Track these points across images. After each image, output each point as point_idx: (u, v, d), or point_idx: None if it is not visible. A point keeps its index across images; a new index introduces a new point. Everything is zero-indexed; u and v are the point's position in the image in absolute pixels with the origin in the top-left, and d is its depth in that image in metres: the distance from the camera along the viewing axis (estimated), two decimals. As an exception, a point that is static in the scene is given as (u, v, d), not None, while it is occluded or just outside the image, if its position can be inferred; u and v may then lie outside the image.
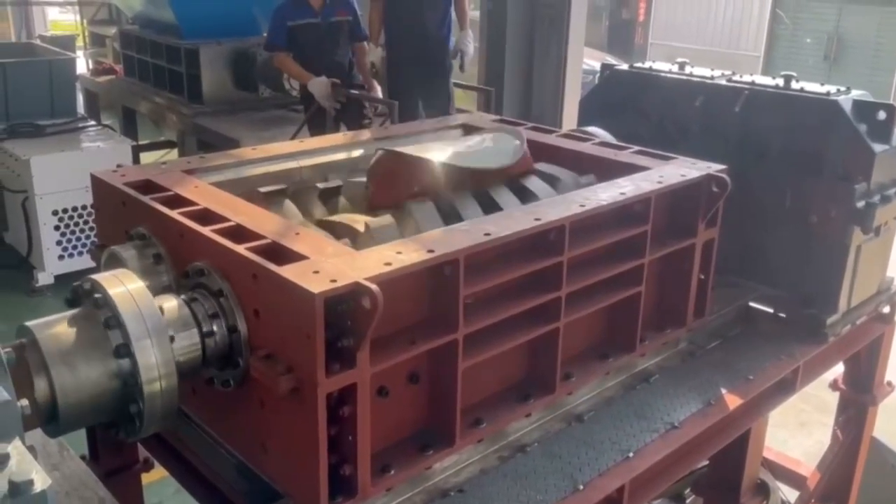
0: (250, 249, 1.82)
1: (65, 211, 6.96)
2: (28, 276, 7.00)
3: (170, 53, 8.49)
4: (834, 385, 3.75)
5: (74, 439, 2.34)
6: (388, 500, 1.97)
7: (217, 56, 8.07)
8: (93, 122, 8.14)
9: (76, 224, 7.01)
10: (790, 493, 3.64)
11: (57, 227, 6.95)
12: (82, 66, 10.81)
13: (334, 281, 1.66)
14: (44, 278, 6.92)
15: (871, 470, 2.21)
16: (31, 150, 6.94)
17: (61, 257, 6.98)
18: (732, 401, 2.56)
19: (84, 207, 6.95)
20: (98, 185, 2.37)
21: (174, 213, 2.04)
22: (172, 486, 3.56)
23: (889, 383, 3.61)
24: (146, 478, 3.15)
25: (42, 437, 2.05)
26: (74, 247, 7.03)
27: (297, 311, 1.66)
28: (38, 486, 1.22)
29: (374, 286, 1.63)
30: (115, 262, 2.01)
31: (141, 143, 8.80)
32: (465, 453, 2.14)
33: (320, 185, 2.44)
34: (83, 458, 2.50)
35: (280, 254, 1.81)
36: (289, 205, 2.27)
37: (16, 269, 7.16)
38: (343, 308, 1.69)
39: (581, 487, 2.11)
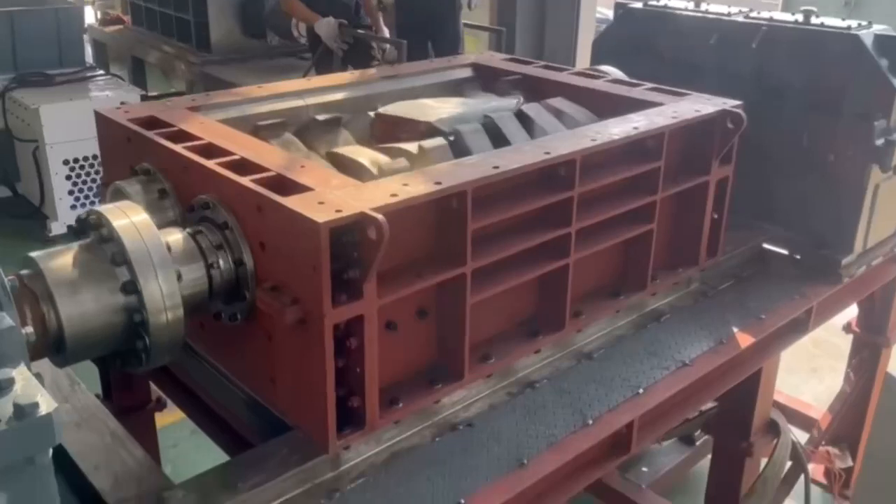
0: (255, 181, 1.79)
1: (76, 161, 6.94)
2: (41, 226, 7.02)
3: (177, 2, 8.37)
4: (848, 328, 3.72)
5: (87, 379, 2.37)
6: (397, 434, 1.97)
7: (225, 3, 7.95)
8: (101, 72, 8.07)
9: (87, 174, 6.99)
10: (801, 436, 3.63)
11: (68, 177, 6.94)
12: (90, 16, 10.69)
13: (339, 211, 1.63)
14: (57, 228, 6.94)
15: (884, 406, 2.18)
16: (41, 99, 6.90)
17: (73, 207, 6.98)
18: (744, 339, 2.54)
19: (95, 157, 6.93)
20: (102, 122, 2.34)
21: (178, 147, 2.01)
22: (188, 429, 3.61)
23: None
24: (161, 420, 3.18)
25: (53, 372, 2.06)
26: (86, 196, 7.02)
27: (303, 241, 1.63)
28: (44, 409, 1.21)
29: (379, 216, 1.60)
30: (119, 198, 1.99)
31: (150, 93, 8.73)
32: (473, 389, 2.13)
33: (320, 118, 2.39)
34: (97, 396, 2.52)
35: (285, 186, 1.78)
36: (292, 138, 2.23)
37: (29, 218, 7.17)
38: (349, 239, 1.67)
39: (590, 422, 2.10)
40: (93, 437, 1.80)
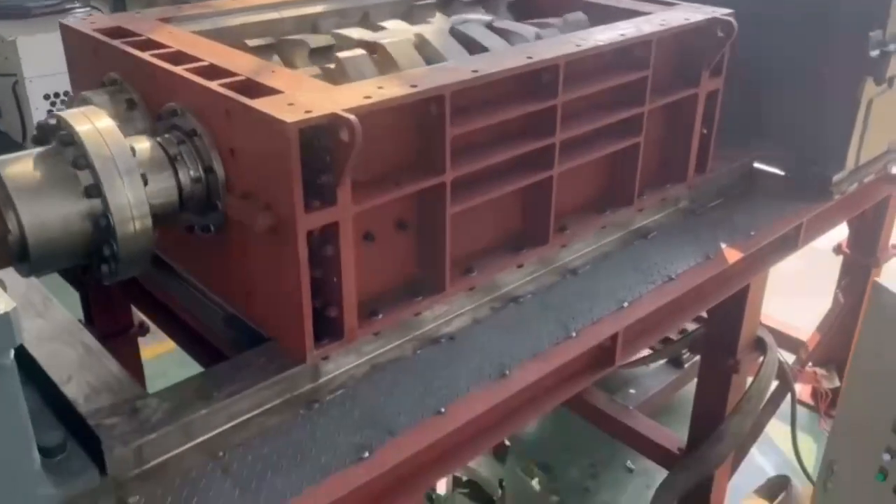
0: (223, 86, 1.72)
1: (56, 95, 6.78)
2: (25, 163, 6.92)
3: (156, -71, 8.09)
4: (838, 249, 3.70)
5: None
6: (377, 346, 1.95)
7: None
8: (80, 3, 7.84)
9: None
10: (789, 358, 3.64)
11: (50, 112, 6.81)
12: (68, -52, 10.34)
13: (309, 112, 1.57)
14: (41, 165, 6.83)
15: (870, 317, 2.16)
16: (18, 31, 6.70)
17: (57, 143, 6.87)
18: (732, 255, 2.51)
19: (76, 91, 6.78)
20: (68, 34, 2.25)
21: (146, 55, 1.93)
22: (177, 358, 3.60)
23: (894, 246, 3.55)
24: (153, 351, 3.17)
25: (27, 288, 2.02)
26: (70, 132, 6.91)
27: (272, 145, 1.57)
28: (1, 308, 1.17)
29: (351, 116, 1.54)
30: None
31: (132, 26, 8.49)
32: (456, 303, 2.10)
33: (312, 44, 2.30)
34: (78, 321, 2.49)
35: (254, 89, 1.71)
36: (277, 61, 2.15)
37: (12, 156, 7.07)
38: (321, 143, 1.61)
39: (574, 335, 2.08)
40: (66, 351, 1.76)
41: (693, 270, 2.41)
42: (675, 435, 3.29)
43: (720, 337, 2.92)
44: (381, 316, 1.88)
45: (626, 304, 2.22)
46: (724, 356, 2.89)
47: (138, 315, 2.94)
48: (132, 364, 2.83)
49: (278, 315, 1.75)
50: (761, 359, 2.94)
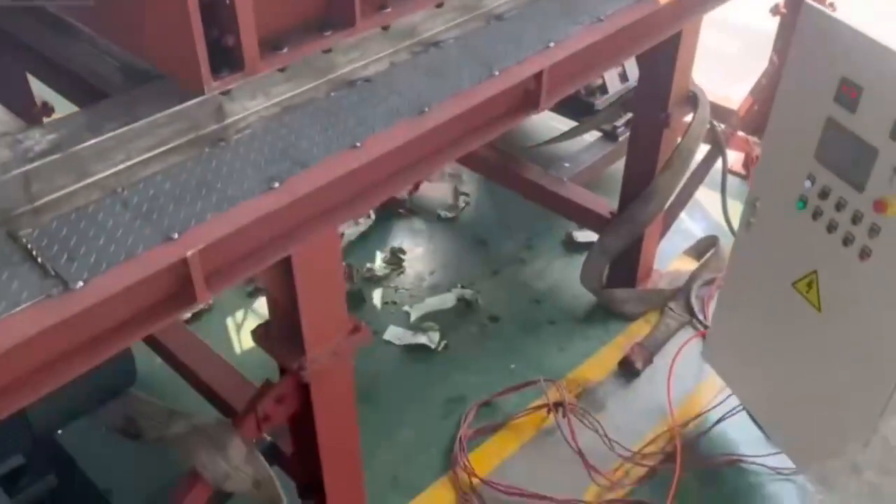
0: None
1: None
2: None
3: None
4: (775, 9, 3.60)
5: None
6: (289, 89, 1.84)
7: None
8: None
9: None
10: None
11: None
12: None
13: None
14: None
15: (799, 37, 2.09)
16: None
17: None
18: (664, -2, 2.38)
19: None
20: None
21: None
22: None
23: (830, 4, 3.45)
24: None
25: None
26: None
27: None
28: None
29: None
30: None
31: None
32: (372, 48, 1.98)
33: None
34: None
35: None
36: None
37: None
38: None
39: (496, 73, 1.98)
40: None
41: (623, 12, 2.29)
42: (606, 201, 3.32)
43: (651, 91, 2.86)
44: (286, 50, 1.74)
45: (552, 45, 2.11)
46: (655, 110, 2.85)
47: (41, 97, 2.75)
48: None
49: (169, 44, 1.60)
50: (692, 115, 2.90)
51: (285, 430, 2.27)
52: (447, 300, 3.49)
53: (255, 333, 2.03)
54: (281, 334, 1.99)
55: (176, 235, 1.44)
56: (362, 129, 1.76)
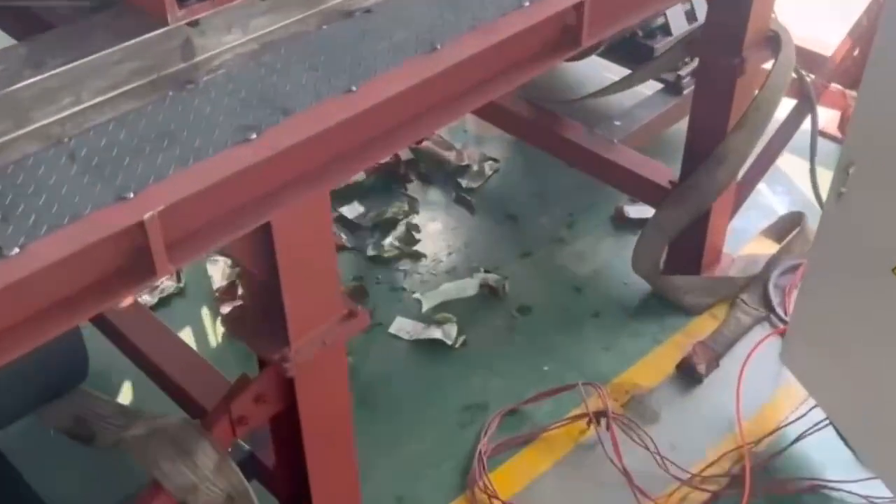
0: None
1: None
2: None
3: None
4: (882, -69, 3.54)
5: None
6: (270, 22, 1.87)
7: None
8: None
9: None
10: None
11: None
12: None
13: None
14: None
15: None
16: None
17: None
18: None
19: None
20: None
21: None
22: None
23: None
24: None
25: None
26: None
27: None
28: None
29: None
30: None
31: None
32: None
33: None
34: None
35: None
36: None
37: None
38: None
39: (526, 3, 1.98)
40: None
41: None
42: (665, 167, 3.31)
43: (723, 30, 2.84)
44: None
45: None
46: (727, 55, 2.83)
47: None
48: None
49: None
50: (773, 61, 2.88)
51: (267, 437, 2.31)
52: (468, 287, 3.51)
53: (228, 319, 2.07)
54: (259, 319, 2.01)
55: (131, 194, 1.46)
56: (360, 70, 1.78)
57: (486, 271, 3.56)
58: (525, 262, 3.62)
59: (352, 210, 3.86)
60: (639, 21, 3.04)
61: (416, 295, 3.48)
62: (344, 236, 3.71)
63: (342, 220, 3.79)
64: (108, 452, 2.34)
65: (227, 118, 1.63)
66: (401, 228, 3.77)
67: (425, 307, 3.43)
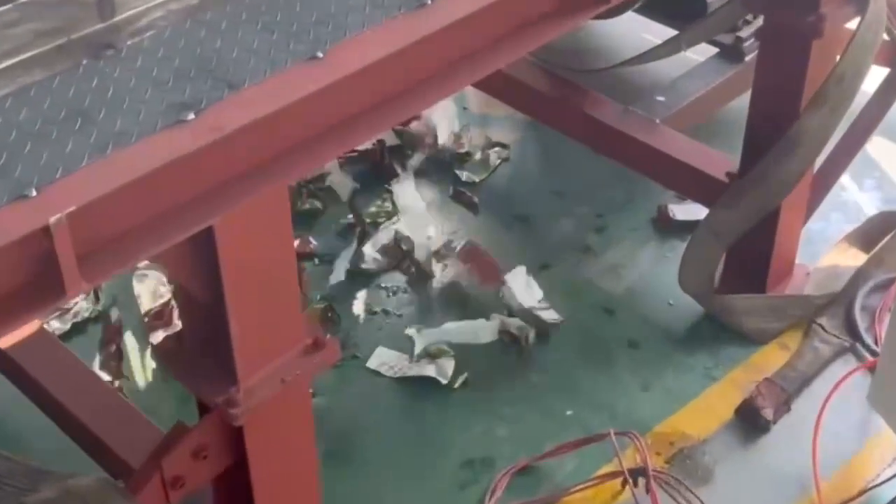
0: None
1: None
2: None
3: None
4: None
5: None
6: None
7: None
8: None
9: None
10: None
11: None
12: None
13: None
14: None
15: None
16: None
17: None
18: None
19: None
20: None
21: None
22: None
23: None
24: None
25: None
26: None
27: None
28: None
29: None
30: None
31: None
32: None
33: None
34: None
35: None
36: None
37: None
38: None
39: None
40: None
41: None
42: (722, 155, 3.32)
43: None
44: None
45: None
46: (800, 11, 2.84)
47: None
48: None
49: None
50: (859, 19, 2.89)
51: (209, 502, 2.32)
52: (480, 331, 3.45)
53: (160, 351, 2.07)
54: (199, 352, 2.02)
55: (33, 192, 1.47)
56: (327, 31, 1.82)
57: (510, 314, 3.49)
58: (542, 277, 3.63)
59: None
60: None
61: (409, 331, 3.47)
62: (311, 244, 3.72)
63: (307, 224, 3.80)
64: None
65: (157, 93, 1.66)
66: (383, 234, 3.78)
67: (419, 348, 3.41)
